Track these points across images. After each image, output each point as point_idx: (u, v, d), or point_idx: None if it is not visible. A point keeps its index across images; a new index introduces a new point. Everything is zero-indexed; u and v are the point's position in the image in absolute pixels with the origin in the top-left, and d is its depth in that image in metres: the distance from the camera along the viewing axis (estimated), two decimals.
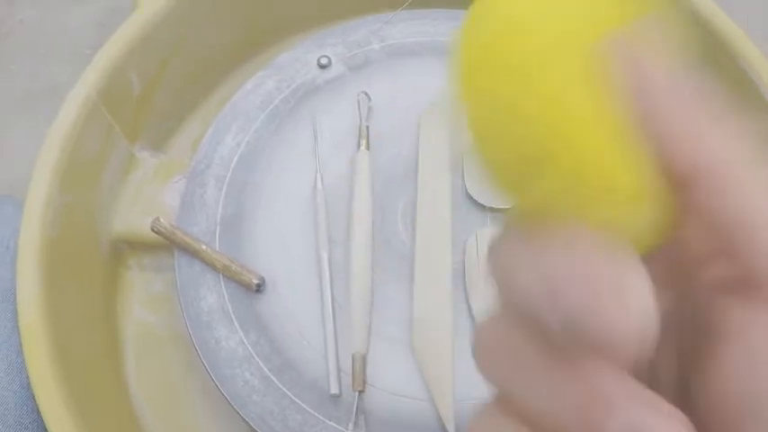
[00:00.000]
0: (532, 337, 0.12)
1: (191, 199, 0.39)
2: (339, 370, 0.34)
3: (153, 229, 0.38)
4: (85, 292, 0.39)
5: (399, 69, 0.43)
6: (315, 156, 0.40)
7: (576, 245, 0.11)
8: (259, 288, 0.36)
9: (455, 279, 0.36)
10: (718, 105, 0.12)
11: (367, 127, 0.40)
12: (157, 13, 0.42)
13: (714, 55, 0.42)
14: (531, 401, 0.12)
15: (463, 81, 0.12)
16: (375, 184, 0.39)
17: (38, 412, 0.32)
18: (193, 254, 0.37)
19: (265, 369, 0.35)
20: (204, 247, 0.37)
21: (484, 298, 0.35)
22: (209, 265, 0.37)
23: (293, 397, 0.34)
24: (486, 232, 0.37)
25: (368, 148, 0.40)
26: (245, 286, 0.36)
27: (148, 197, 0.42)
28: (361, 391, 0.33)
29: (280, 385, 0.34)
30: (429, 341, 0.34)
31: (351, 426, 0.33)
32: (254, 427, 0.33)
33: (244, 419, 0.34)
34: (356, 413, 0.33)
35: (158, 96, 0.44)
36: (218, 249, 0.37)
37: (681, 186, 0.11)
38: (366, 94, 0.41)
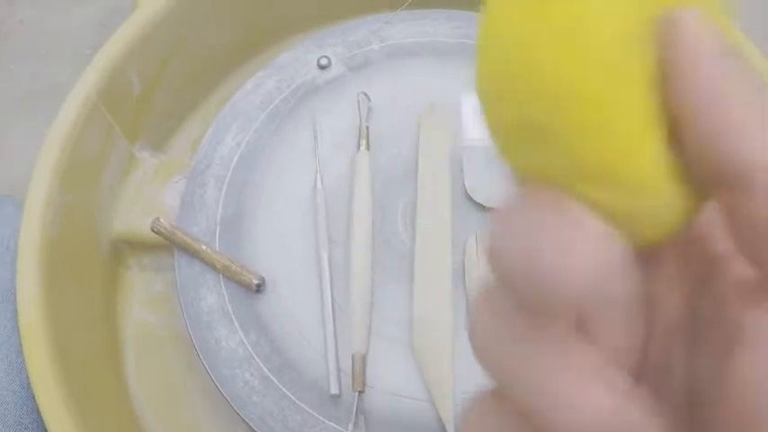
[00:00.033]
0: (516, 310, 0.12)
1: (191, 199, 0.39)
2: (339, 370, 0.34)
3: (153, 229, 0.38)
4: (85, 292, 0.39)
5: (399, 70, 0.43)
6: (315, 156, 0.40)
7: (555, 217, 0.11)
8: (259, 288, 0.36)
9: (455, 279, 0.36)
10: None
11: (367, 127, 0.40)
12: (157, 13, 0.42)
13: None
14: (512, 382, 0.12)
15: (488, 29, 0.11)
16: (375, 185, 0.39)
17: (38, 412, 0.32)
18: (193, 254, 0.37)
19: (265, 369, 0.35)
20: (204, 247, 0.37)
21: None
22: (209, 265, 0.37)
23: (293, 397, 0.34)
24: (486, 232, 0.37)
25: (368, 148, 0.40)
26: (245, 286, 0.36)
27: (148, 197, 0.42)
28: (360, 392, 0.33)
29: (279, 385, 0.34)
30: (429, 341, 0.34)
31: (350, 426, 0.33)
32: (254, 428, 0.33)
33: (243, 420, 0.34)
34: (356, 413, 0.33)
35: (158, 96, 0.44)
36: (218, 249, 0.37)
37: (711, 184, 0.11)
38: (366, 94, 0.41)
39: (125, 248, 0.42)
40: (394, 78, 0.43)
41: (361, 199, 0.38)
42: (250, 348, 0.35)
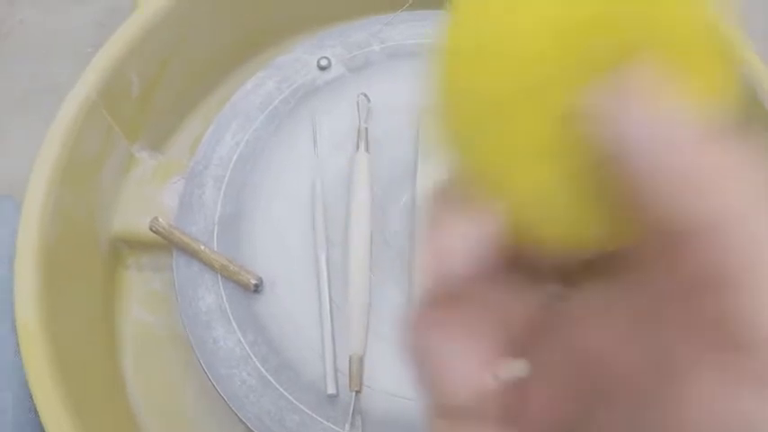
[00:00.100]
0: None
1: (189, 199, 0.39)
2: (336, 370, 0.34)
3: (151, 229, 0.38)
4: (83, 291, 0.39)
5: (399, 71, 0.43)
6: (314, 157, 0.40)
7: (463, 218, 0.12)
8: (257, 288, 0.36)
9: None
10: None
11: (366, 128, 0.40)
12: (157, 13, 0.42)
13: None
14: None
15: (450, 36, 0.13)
16: (374, 186, 0.39)
17: (35, 412, 0.32)
18: (192, 254, 0.37)
19: (263, 369, 0.35)
20: (202, 247, 0.37)
21: None
22: (208, 265, 0.37)
23: (290, 397, 0.34)
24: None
25: (367, 149, 0.40)
26: (243, 286, 0.36)
27: (147, 197, 0.42)
28: (358, 392, 0.33)
29: (277, 385, 0.34)
30: None
31: (347, 426, 0.33)
32: (251, 428, 0.33)
33: (241, 420, 0.34)
34: (353, 414, 0.33)
35: (158, 96, 0.44)
36: (216, 249, 0.37)
37: (659, 234, 0.11)
38: (365, 95, 0.41)
39: (123, 248, 0.42)
40: (394, 80, 0.43)
41: (359, 200, 0.38)
42: (248, 348, 0.35)
